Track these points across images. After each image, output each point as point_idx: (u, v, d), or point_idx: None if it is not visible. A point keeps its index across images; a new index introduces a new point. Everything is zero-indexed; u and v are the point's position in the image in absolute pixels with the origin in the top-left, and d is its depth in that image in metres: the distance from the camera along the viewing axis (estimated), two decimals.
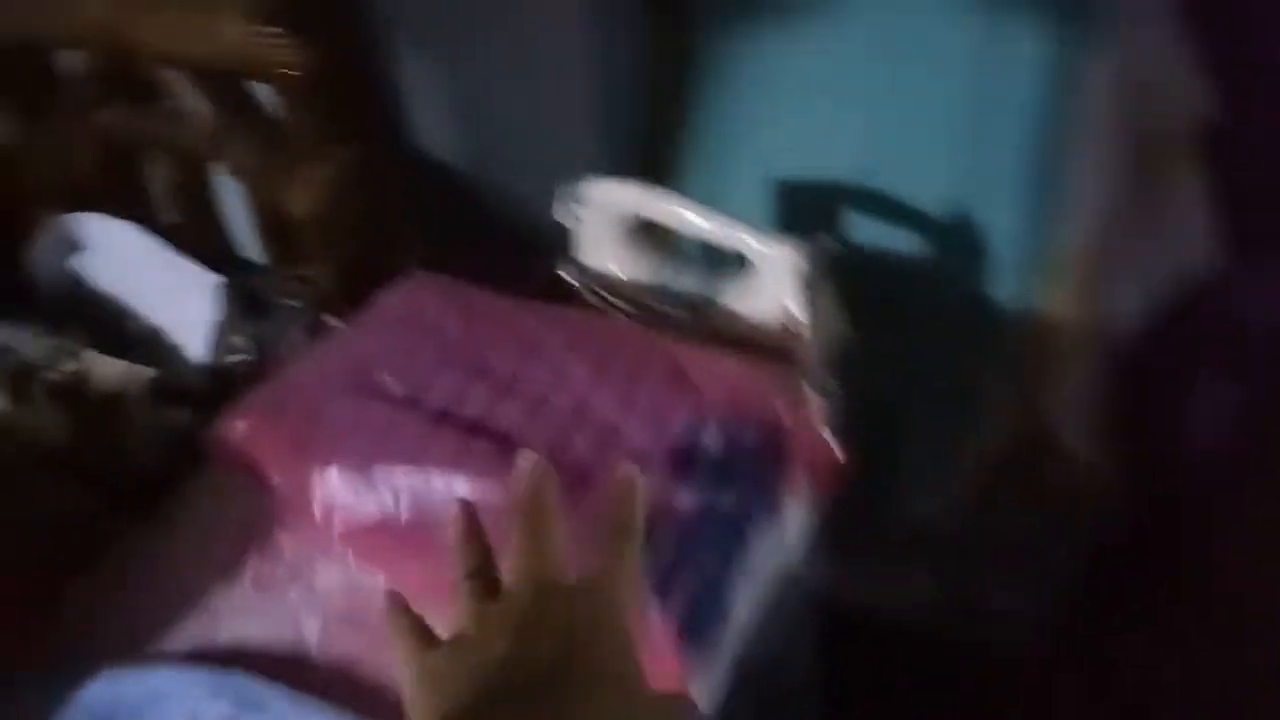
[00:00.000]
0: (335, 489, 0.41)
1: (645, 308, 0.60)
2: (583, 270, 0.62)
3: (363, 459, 0.41)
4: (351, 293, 0.73)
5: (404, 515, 0.41)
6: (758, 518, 0.44)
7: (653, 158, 0.87)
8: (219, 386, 0.77)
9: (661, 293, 0.61)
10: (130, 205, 0.83)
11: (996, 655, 0.97)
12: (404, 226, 0.74)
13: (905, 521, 0.93)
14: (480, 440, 0.43)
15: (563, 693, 0.32)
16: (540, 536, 0.37)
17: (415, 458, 0.42)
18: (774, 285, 0.57)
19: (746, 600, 0.44)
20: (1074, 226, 0.81)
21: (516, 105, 0.76)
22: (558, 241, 0.62)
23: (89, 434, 0.71)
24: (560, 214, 0.59)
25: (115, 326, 0.84)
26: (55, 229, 0.85)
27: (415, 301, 0.50)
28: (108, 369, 0.74)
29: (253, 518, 0.41)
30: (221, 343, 0.80)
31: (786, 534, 0.45)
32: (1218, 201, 0.87)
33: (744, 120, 0.84)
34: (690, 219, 0.57)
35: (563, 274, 0.62)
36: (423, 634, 0.36)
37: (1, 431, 0.69)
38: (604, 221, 0.60)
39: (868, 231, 0.85)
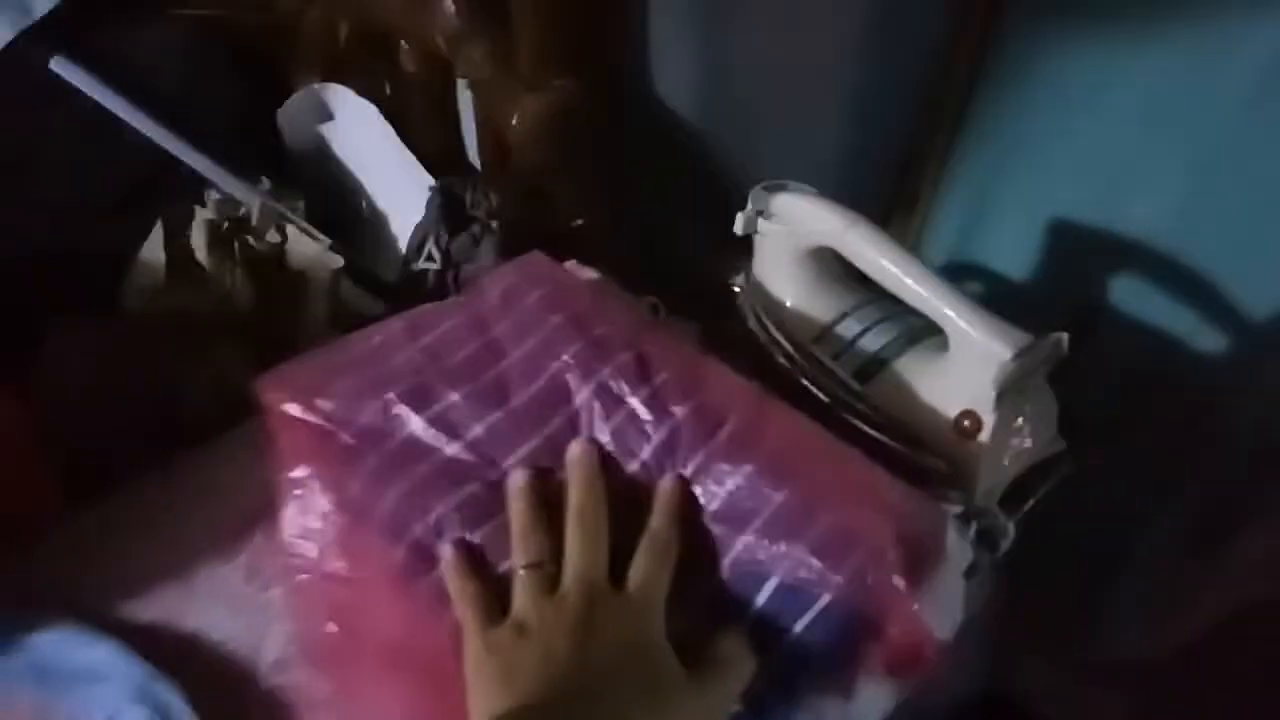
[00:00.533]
0: (300, 522, 0.37)
1: (804, 351, 0.50)
2: (754, 287, 0.53)
3: (358, 509, 0.37)
4: (528, 229, 0.69)
5: (355, 578, 0.36)
6: (810, 700, 0.35)
7: (910, 165, 0.74)
8: (408, 288, 0.77)
9: (830, 339, 0.50)
10: (377, 89, 0.84)
11: None
12: (600, 175, 0.68)
13: (1113, 645, 0.79)
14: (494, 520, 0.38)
15: (620, 698, 0.33)
16: (592, 538, 0.38)
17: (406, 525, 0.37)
18: (967, 376, 0.45)
19: None
20: None
21: (768, 77, 0.66)
22: (742, 246, 0.54)
23: (271, 307, 0.73)
24: (740, 224, 0.51)
25: (343, 199, 0.86)
26: (308, 94, 0.87)
27: (517, 294, 0.43)
28: (304, 248, 0.76)
29: (271, 492, 0.38)
30: (419, 246, 0.79)
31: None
32: None
33: (1030, 141, 0.69)
34: (887, 267, 0.47)
35: (733, 285, 0.53)
36: (488, 608, 0.36)
37: (199, 286, 0.72)
38: (790, 241, 0.50)
39: (1149, 310, 0.69)
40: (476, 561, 0.38)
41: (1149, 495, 0.71)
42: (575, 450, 0.40)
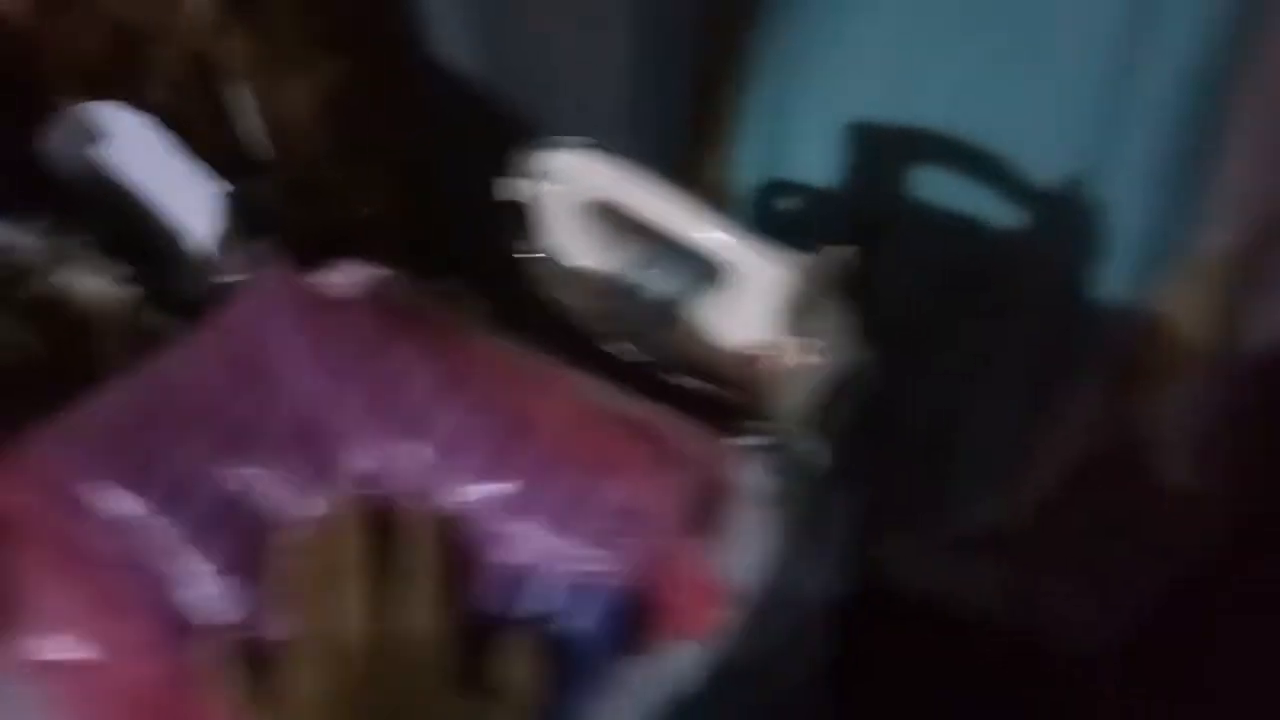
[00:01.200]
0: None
1: (597, 308, 0.50)
2: (546, 251, 0.52)
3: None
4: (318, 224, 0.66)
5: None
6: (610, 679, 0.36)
7: (707, 93, 0.73)
8: (214, 304, 0.73)
9: (624, 292, 0.50)
10: (142, 98, 0.78)
11: (1055, 658, 0.88)
12: (386, 156, 0.66)
13: (973, 516, 0.83)
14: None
15: None
16: (354, 598, 0.36)
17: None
18: (755, 305, 0.45)
19: None
20: (1219, 222, 0.64)
21: (549, 30, 0.65)
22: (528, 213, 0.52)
23: (65, 354, 0.68)
24: (519, 189, 0.49)
25: (130, 224, 0.81)
26: (72, 116, 0.81)
27: (257, 321, 0.41)
28: (93, 284, 0.71)
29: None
30: (219, 257, 0.76)
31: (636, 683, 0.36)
32: None
33: (819, 51, 0.69)
34: (659, 210, 0.46)
35: (523, 254, 0.52)
36: (258, 697, 0.35)
37: None
38: (571, 200, 0.50)
39: (953, 194, 0.70)
40: (240, 637, 0.37)
41: (976, 372, 0.74)
42: (331, 497, 0.39)
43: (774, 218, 0.78)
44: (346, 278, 0.47)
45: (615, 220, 0.50)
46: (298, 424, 0.39)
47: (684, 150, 0.78)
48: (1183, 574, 0.86)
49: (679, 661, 0.36)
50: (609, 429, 0.39)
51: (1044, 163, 0.66)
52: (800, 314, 0.45)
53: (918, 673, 0.89)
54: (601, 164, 0.48)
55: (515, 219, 0.52)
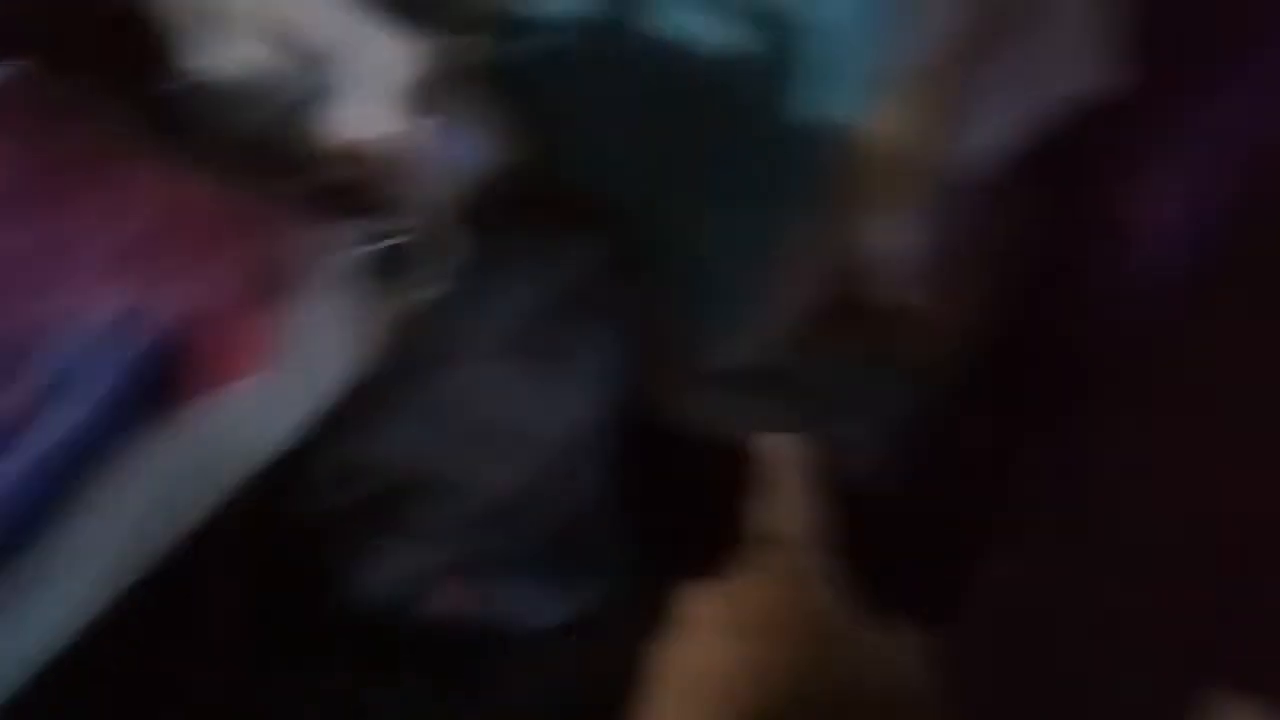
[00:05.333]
0: None
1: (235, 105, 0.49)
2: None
3: None
4: None
5: None
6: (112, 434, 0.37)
7: None
8: None
9: (277, 85, 0.49)
10: None
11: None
12: None
13: (733, 350, 0.84)
14: None
15: None
16: None
17: None
18: (374, 92, 0.45)
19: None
20: (924, 32, 0.64)
21: None
22: None
23: None
24: None
25: None
26: None
27: None
28: None
29: None
30: None
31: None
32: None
33: None
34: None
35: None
36: None
37: None
38: None
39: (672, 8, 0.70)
40: None
41: (703, 197, 0.75)
42: None
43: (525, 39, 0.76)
44: None
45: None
46: None
47: None
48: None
49: (217, 419, 0.38)
50: (185, 208, 0.39)
51: None
52: (421, 102, 0.45)
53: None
54: None
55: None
